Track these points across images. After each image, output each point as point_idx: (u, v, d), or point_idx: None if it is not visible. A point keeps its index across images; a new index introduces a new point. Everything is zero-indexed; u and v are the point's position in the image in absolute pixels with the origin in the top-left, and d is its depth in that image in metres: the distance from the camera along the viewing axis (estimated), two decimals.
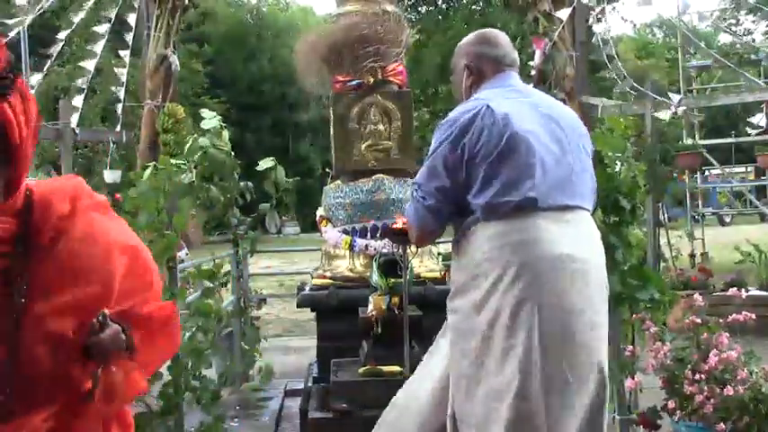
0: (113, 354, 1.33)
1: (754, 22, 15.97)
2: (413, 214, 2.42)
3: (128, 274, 1.41)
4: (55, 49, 5.89)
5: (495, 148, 2.20)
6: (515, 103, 2.33)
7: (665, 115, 5.43)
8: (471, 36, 2.58)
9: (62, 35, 6.12)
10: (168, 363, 3.25)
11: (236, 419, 4.55)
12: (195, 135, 4.12)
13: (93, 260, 1.35)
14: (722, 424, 3.15)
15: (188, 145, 3.97)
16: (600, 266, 2.33)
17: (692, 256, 9.66)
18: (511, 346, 2.14)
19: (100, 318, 1.29)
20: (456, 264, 2.38)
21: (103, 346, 1.30)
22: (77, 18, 6.61)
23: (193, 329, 3.68)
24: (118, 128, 5.57)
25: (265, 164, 5.28)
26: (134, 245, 1.48)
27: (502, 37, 2.55)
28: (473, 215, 2.26)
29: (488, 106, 2.26)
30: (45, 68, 6.08)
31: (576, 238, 2.24)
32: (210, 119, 5.16)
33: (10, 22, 5.03)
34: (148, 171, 3.41)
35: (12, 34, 5.07)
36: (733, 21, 16.66)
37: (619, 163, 3.52)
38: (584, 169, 2.36)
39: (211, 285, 3.92)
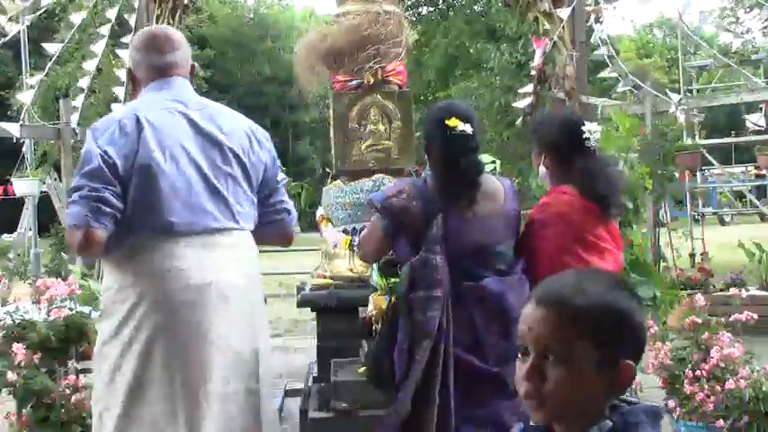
0: None
1: (753, 18, 15.99)
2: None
3: None
4: (56, 50, 5.90)
5: (132, 166, 2.09)
6: (167, 114, 2.21)
7: (674, 108, 5.42)
8: (135, 38, 2.41)
9: (62, 37, 6.13)
10: None
11: None
12: None
13: None
14: (722, 421, 3.15)
15: None
16: (248, 289, 2.26)
17: (692, 255, 9.65)
18: (146, 379, 2.08)
19: None
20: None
21: None
22: (77, 18, 6.62)
23: None
24: None
25: None
26: None
27: (163, 38, 2.36)
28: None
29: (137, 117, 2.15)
30: (46, 68, 6.09)
31: (217, 264, 2.16)
32: None
33: (10, 11, 5.02)
34: None
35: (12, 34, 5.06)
36: (733, 19, 16.64)
37: (621, 162, 3.51)
38: (239, 187, 2.25)
39: None
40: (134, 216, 2.09)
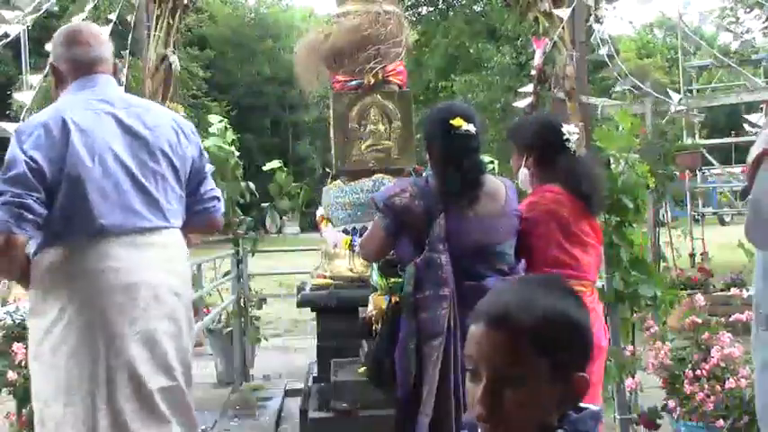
0: None
1: (753, 18, 15.95)
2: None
3: None
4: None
5: (60, 170, 2.07)
6: (93, 114, 2.19)
7: (673, 108, 5.43)
8: (57, 33, 2.37)
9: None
10: None
11: (236, 419, 4.55)
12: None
13: None
14: (722, 421, 3.15)
15: None
16: (180, 287, 2.26)
17: (692, 255, 9.66)
18: (78, 376, 2.07)
19: None
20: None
21: None
22: (78, 18, 6.61)
23: None
24: None
25: (271, 165, 5.29)
26: None
27: (87, 33, 2.34)
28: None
29: (63, 119, 2.12)
30: (46, 69, 6.06)
31: (149, 263, 2.17)
32: (218, 123, 5.20)
33: (10, 20, 5.02)
34: None
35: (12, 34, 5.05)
36: (733, 19, 16.63)
37: (622, 161, 3.51)
38: (168, 185, 2.25)
39: None
40: (63, 221, 2.09)
